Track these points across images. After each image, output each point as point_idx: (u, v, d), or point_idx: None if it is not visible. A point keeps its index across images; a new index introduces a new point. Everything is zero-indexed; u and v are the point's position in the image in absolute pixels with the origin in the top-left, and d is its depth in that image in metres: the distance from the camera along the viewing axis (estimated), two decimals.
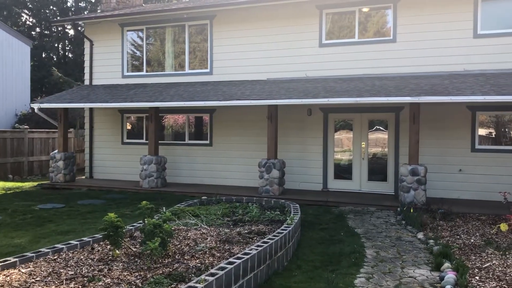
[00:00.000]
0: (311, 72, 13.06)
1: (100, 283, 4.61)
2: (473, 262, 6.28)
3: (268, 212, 8.41)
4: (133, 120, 15.69)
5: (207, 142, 14.33)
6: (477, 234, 8.05)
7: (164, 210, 8.13)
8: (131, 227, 6.90)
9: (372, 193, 12.45)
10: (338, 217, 9.77)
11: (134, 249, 5.81)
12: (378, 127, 12.71)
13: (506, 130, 11.75)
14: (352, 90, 11.31)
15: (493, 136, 11.82)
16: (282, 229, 6.65)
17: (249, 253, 5.27)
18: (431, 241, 7.53)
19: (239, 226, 7.34)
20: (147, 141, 14.47)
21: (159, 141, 14.23)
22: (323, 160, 12.98)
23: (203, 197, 10.24)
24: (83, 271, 4.99)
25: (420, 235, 8.06)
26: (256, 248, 5.54)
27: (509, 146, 11.49)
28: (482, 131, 11.85)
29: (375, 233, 8.38)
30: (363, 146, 12.75)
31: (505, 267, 5.88)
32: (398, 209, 10.35)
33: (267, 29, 13.51)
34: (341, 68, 12.77)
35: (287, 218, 7.63)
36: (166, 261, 5.40)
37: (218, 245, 6.15)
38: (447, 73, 11.77)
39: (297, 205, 8.73)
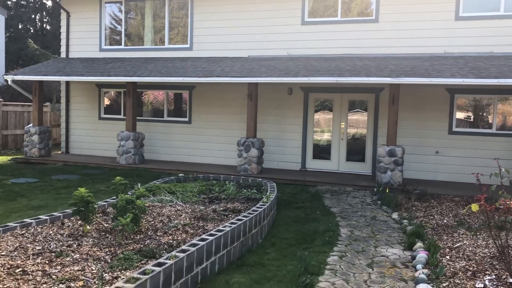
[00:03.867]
0: (292, 50, 12.91)
1: (68, 259, 4.51)
2: (445, 242, 6.36)
3: (245, 190, 8.37)
4: (111, 95, 15.37)
5: (186, 119, 14.15)
6: (450, 214, 8.17)
7: (139, 186, 8.02)
8: (104, 203, 6.79)
9: (349, 173, 12.52)
10: (315, 196, 9.80)
11: (105, 225, 5.71)
12: (358, 109, 12.70)
13: (484, 113, 11.87)
14: (333, 69, 11.23)
15: (471, 119, 11.94)
16: (258, 207, 6.61)
17: (223, 230, 5.22)
18: (405, 221, 7.62)
19: (214, 204, 7.28)
20: (125, 117, 14.21)
21: (138, 118, 13.99)
22: (302, 139, 12.95)
23: (180, 174, 10.13)
24: (51, 246, 4.87)
25: (395, 215, 8.14)
26: (230, 225, 5.50)
27: (485, 129, 11.63)
28: (460, 114, 11.95)
29: (351, 213, 8.43)
30: (342, 126, 12.75)
31: (475, 247, 5.96)
32: (375, 189, 10.44)
33: (249, 5, 13.24)
34: (323, 47, 12.64)
35: (263, 196, 7.60)
36: (138, 237, 5.32)
37: (192, 222, 6.09)
38: (427, 55, 11.77)
39: (274, 184, 8.71)
